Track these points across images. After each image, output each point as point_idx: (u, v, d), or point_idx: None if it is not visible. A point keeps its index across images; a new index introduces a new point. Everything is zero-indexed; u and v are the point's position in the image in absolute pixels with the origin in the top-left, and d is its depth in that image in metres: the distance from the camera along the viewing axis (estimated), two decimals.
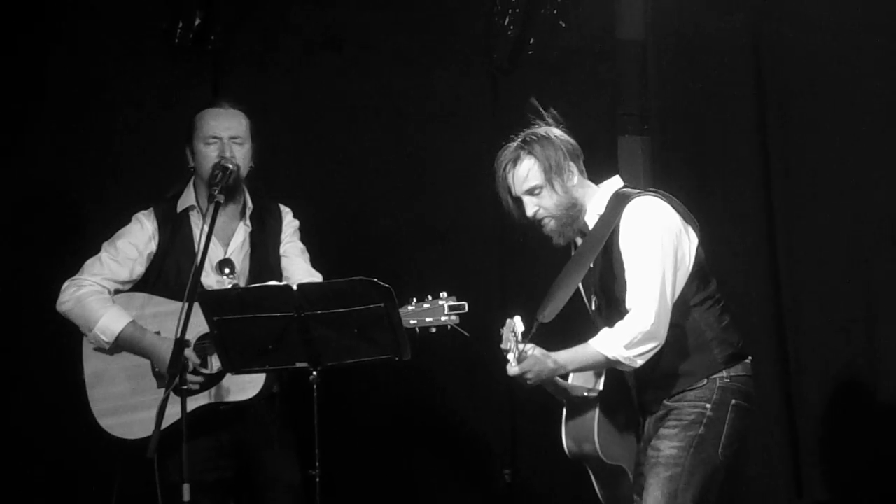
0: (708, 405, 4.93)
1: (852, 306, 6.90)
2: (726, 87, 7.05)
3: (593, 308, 5.12)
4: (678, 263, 4.93)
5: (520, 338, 4.84)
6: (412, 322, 5.16)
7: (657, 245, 4.90)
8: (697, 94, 7.07)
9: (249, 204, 5.64)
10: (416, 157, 6.95)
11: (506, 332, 4.86)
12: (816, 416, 6.83)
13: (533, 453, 6.94)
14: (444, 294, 5.21)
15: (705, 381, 4.96)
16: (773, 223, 7.01)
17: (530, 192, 5.06)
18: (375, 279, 4.94)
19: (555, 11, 6.88)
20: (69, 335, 5.56)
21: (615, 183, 5.12)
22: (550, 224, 5.08)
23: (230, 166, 5.46)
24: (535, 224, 5.10)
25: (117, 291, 5.53)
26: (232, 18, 6.66)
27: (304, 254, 5.68)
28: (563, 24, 6.87)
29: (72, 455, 6.26)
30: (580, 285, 5.10)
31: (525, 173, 5.06)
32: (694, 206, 5.12)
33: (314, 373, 5.03)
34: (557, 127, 5.12)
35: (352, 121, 6.88)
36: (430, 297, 5.20)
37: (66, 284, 5.53)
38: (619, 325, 4.91)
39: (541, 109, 5.15)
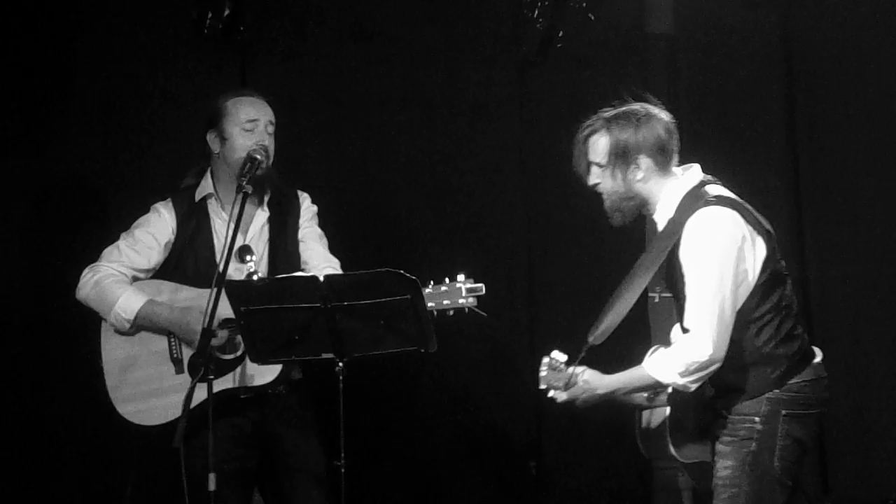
0: (757, 419, 4.83)
1: (883, 295, 6.86)
2: (755, 81, 7.02)
3: (657, 300, 5.04)
4: (738, 281, 4.81)
5: (563, 367, 4.81)
6: (430, 305, 5.09)
7: (715, 267, 4.77)
8: (727, 87, 7.05)
9: (268, 190, 5.65)
10: (444, 149, 6.95)
11: (545, 370, 4.84)
12: (842, 407, 6.79)
13: (559, 446, 6.94)
14: (461, 276, 5.15)
15: (756, 395, 4.86)
16: (801, 218, 6.98)
17: (596, 165, 4.99)
18: (402, 271, 4.94)
19: (584, 4, 6.86)
20: (89, 324, 5.57)
21: (692, 177, 4.97)
22: (606, 202, 5.02)
23: (260, 157, 5.45)
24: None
25: (135, 279, 5.53)
26: (261, 9, 6.67)
27: (322, 239, 5.66)
28: (592, 17, 6.85)
29: (91, 443, 6.29)
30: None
31: (595, 146, 4.98)
32: None
33: (340, 364, 5.04)
34: (662, 114, 4.99)
35: (380, 112, 6.88)
36: (447, 280, 5.15)
37: (84, 271, 5.54)
38: (675, 348, 4.84)
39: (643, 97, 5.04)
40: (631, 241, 7.04)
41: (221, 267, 5.12)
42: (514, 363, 6.96)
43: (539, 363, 4.91)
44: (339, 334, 5.00)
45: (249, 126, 5.52)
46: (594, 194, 5.03)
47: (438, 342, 5.04)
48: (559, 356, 4.84)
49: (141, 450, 5.39)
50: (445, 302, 5.14)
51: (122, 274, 5.51)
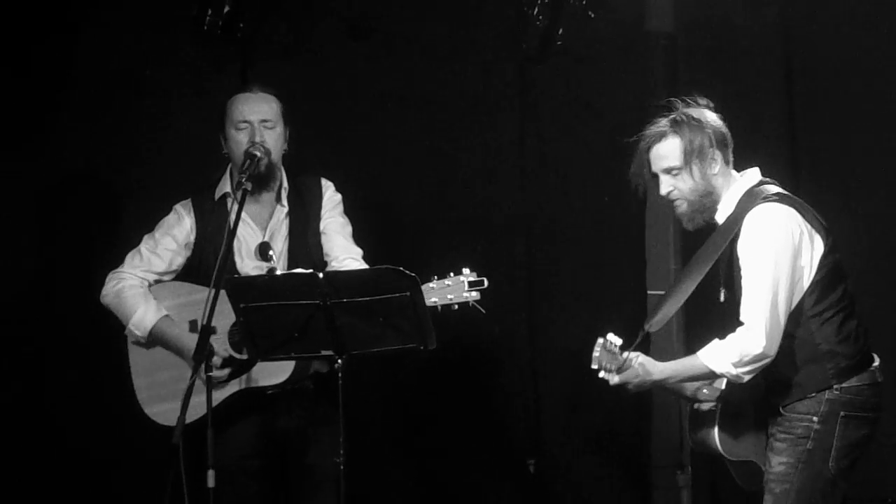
0: (815, 418, 4.86)
1: (883, 293, 6.85)
2: (755, 79, 7.01)
3: (721, 300, 5.05)
4: (795, 277, 4.85)
5: (617, 350, 4.84)
6: (434, 300, 5.10)
7: (771, 261, 4.82)
8: (726, 87, 7.04)
9: (285, 184, 5.64)
10: (444, 147, 6.95)
11: (598, 350, 4.84)
12: None
13: (557, 443, 6.95)
14: (466, 270, 5.16)
15: (815, 394, 4.88)
16: None
17: (668, 171, 5.00)
18: (401, 268, 4.94)
19: (584, 2, 6.85)
20: (102, 323, 5.62)
21: (751, 178, 5.04)
22: (682, 207, 5.02)
23: (258, 154, 5.46)
24: (667, 203, 5.06)
25: (157, 283, 5.58)
26: (261, 6, 6.67)
27: (345, 228, 5.67)
28: (592, 15, 6.85)
29: (120, 446, 6.30)
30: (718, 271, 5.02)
31: (666, 152, 5.00)
32: None
33: (339, 361, 5.04)
34: (711, 111, 5.08)
35: (380, 109, 6.88)
36: (451, 274, 5.15)
37: (108, 276, 5.60)
38: (730, 339, 4.86)
39: (688, 100, 5.10)
40: (629, 239, 7.08)
41: (217, 267, 5.14)
42: (514, 360, 6.96)
43: (594, 344, 4.89)
44: (339, 331, 5.00)
45: (242, 125, 5.55)
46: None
47: (438, 340, 5.04)
48: (615, 339, 4.86)
49: (174, 451, 5.38)
50: (450, 296, 5.14)
51: (143, 280, 5.56)
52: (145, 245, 5.60)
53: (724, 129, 5.07)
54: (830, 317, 4.90)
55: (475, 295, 5.16)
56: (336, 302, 4.96)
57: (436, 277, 5.14)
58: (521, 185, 7.04)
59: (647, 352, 4.99)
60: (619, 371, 4.86)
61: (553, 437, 6.94)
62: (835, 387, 4.88)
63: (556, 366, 6.87)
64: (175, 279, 5.61)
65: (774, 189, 5.01)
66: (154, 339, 5.51)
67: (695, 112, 5.05)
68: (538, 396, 6.96)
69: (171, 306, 5.53)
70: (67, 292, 6.13)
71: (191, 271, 5.62)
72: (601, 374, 4.87)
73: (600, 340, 4.86)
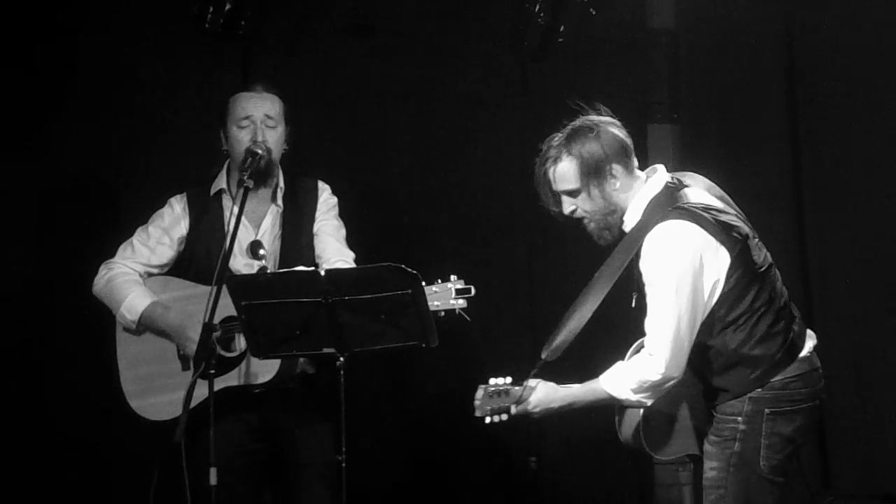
0: (740, 418, 4.81)
1: (883, 293, 6.86)
2: (757, 75, 7.02)
3: (633, 305, 4.99)
4: (698, 298, 4.74)
5: (506, 388, 4.79)
6: None
7: (672, 286, 4.71)
8: (728, 83, 7.05)
9: (281, 185, 5.65)
10: (446, 144, 6.95)
11: (479, 399, 4.80)
12: (844, 401, 6.78)
13: (559, 441, 6.94)
14: (453, 277, 5.16)
15: (739, 396, 4.83)
16: (802, 212, 6.98)
17: (567, 193, 4.90)
18: (403, 265, 4.94)
19: None
20: (101, 320, 5.60)
21: (657, 182, 4.90)
22: (590, 225, 4.93)
23: (260, 151, 5.48)
24: (573, 222, 4.96)
25: (149, 275, 5.58)
26: (262, 4, 6.66)
27: (339, 231, 5.67)
28: (594, 12, 6.85)
29: (109, 440, 6.30)
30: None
31: (562, 174, 4.88)
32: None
33: (341, 358, 5.04)
34: (607, 118, 4.93)
35: (381, 107, 6.88)
36: (439, 281, 5.15)
37: (100, 267, 5.60)
38: (630, 365, 4.81)
39: (583, 105, 4.98)
40: None
41: (220, 264, 5.15)
42: (515, 356, 6.94)
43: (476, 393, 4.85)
44: (340, 329, 5.00)
45: (244, 123, 5.56)
46: (573, 224, 4.97)
47: (439, 338, 5.04)
48: (498, 380, 4.81)
49: (161, 446, 5.39)
50: (436, 303, 5.13)
51: (135, 271, 5.56)
52: (138, 237, 5.61)
53: (622, 136, 4.90)
54: (743, 323, 4.80)
55: (462, 303, 5.15)
56: (338, 299, 4.96)
57: (423, 284, 5.10)
58: (523, 182, 7.02)
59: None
60: (518, 403, 4.81)
61: (555, 434, 6.93)
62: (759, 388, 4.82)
63: (558, 363, 6.86)
64: (166, 274, 5.61)
65: (680, 198, 4.83)
66: (144, 325, 5.50)
67: (588, 124, 4.89)
68: None
69: (163, 301, 5.52)
70: (67, 291, 6.12)
71: (181, 266, 5.61)
72: (487, 420, 4.82)
73: (480, 390, 4.81)
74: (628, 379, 4.80)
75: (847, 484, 6.83)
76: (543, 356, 4.91)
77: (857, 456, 6.87)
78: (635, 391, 4.80)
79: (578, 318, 4.91)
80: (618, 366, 4.85)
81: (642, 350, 4.81)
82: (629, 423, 4.99)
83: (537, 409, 4.86)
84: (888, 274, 6.85)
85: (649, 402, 4.83)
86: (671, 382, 4.79)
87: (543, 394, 4.86)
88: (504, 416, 4.85)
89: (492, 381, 4.83)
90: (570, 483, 6.94)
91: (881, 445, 6.82)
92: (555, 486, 6.95)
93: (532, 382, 4.86)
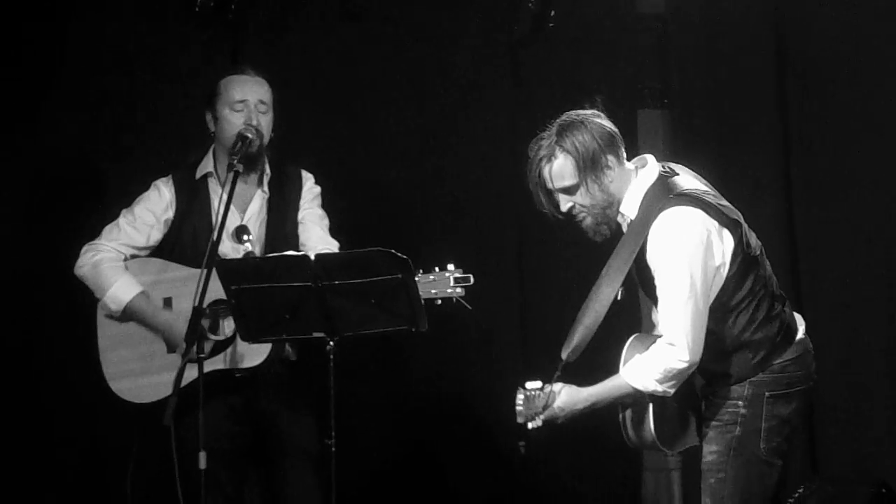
0: (741, 402, 4.82)
1: (872, 282, 6.87)
2: (747, 60, 7.00)
3: (619, 298, 4.95)
4: (708, 281, 4.76)
5: (538, 393, 4.79)
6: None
7: (685, 271, 4.71)
8: (718, 68, 7.04)
9: (268, 171, 5.65)
10: (436, 130, 6.94)
11: (521, 405, 4.80)
12: (834, 388, 6.80)
13: (548, 425, 6.94)
14: (451, 266, 5.15)
15: (741, 380, 4.85)
16: (791, 197, 6.98)
17: (564, 190, 4.87)
18: (393, 250, 4.94)
19: None
20: (88, 305, 5.60)
21: (650, 172, 4.89)
22: (586, 221, 4.90)
23: (250, 136, 5.48)
24: (570, 219, 4.93)
25: (133, 257, 5.57)
26: None
27: (323, 220, 5.68)
28: None
29: (90, 422, 6.30)
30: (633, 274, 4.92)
31: (559, 171, 4.84)
32: (713, 181, 5.07)
33: (331, 343, 5.05)
34: (594, 111, 4.91)
35: (370, 93, 6.87)
36: (436, 269, 5.15)
37: (84, 248, 5.58)
38: (652, 354, 4.79)
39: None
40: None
41: (210, 248, 5.15)
42: (505, 344, 6.96)
43: (515, 397, 4.85)
44: (330, 313, 5.01)
45: (238, 106, 5.55)
46: (568, 224, 4.95)
47: (429, 324, 5.04)
48: (532, 384, 4.81)
49: (142, 427, 5.39)
50: (433, 291, 5.13)
51: (121, 254, 5.55)
52: (123, 218, 5.59)
53: (610, 127, 4.89)
54: (745, 307, 4.81)
55: (460, 291, 5.14)
56: (328, 284, 4.97)
57: (421, 271, 5.11)
58: (514, 169, 7.02)
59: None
60: (545, 408, 4.81)
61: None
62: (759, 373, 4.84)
63: (548, 352, 6.87)
64: (150, 255, 5.59)
65: (677, 185, 4.85)
66: (128, 315, 5.49)
67: (576, 118, 4.86)
68: (529, 377, 6.95)
69: (146, 283, 5.52)
70: (55, 277, 6.09)
71: (165, 248, 5.60)
72: (530, 426, 4.83)
73: (519, 394, 4.81)
74: (652, 370, 4.77)
75: (837, 470, 6.85)
76: (564, 357, 4.89)
77: (844, 442, 6.88)
78: (661, 381, 4.77)
79: (594, 315, 4.89)
80: (637, 358, 4.82)
81: (660, 340, 4.79)
82: (639, 422, 4.93)
83: (563, 413, 4.85)
84: (877, 261, 6.86)
85: (672, 392, 4.80)
86: (693, 368, 4.78)
87: (567, 396, 4.85)
88: (539, 422, 4.85)
89: (527, 384, 4.82)
90: (559, 467, 6.94)
91: (867, 432, 6.83)
92: (544, 470, 6.96)
93: (556, 387, 4.84)
